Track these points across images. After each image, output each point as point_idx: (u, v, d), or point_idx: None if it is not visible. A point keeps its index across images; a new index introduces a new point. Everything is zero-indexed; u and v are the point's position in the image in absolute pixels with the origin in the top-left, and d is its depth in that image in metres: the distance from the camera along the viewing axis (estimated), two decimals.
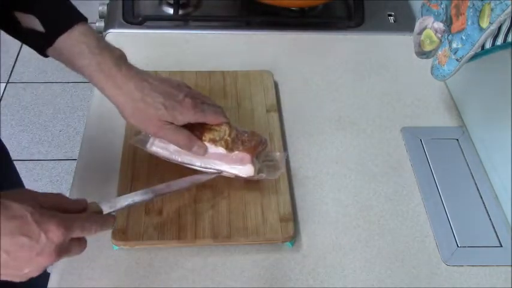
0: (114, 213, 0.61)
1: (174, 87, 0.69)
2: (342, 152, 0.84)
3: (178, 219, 0.71)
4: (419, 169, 0.82)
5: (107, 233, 0.71)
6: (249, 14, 1.11)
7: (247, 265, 0.69)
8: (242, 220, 0.71)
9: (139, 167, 0.76)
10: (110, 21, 1.05)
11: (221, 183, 0.75)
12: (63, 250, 0.53)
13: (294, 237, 0.71)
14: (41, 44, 0.66)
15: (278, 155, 0.76)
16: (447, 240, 0.73)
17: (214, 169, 0.72)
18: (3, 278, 0.51)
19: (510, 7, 0.57)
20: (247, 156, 0.70)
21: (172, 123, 0.68)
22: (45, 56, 0.68)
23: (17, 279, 0.52)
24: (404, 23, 1.09)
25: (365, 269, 0.70)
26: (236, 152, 0.70)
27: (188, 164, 0.73)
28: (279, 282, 0.68)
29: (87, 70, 0.66)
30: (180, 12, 1.08)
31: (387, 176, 0.81)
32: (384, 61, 1.01)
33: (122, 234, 0.68)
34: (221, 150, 0.71)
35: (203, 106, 0.70)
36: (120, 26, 1.03)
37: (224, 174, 0.72)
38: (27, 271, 0.52)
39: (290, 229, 0.71)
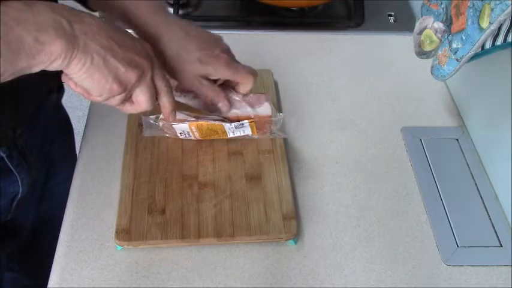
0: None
1: (211, 41, 0.70)
2: (342, 152, 0.84)
3: (181, 219, 0.71)
4: (419, 169, 0.82)
5: (108, 233, 0.71)
6: (249, 14, 1.11)
7: (247, 265, 0.69)
8: (245, 219, 0.71)
9: (141, 165, 0.76)
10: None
11: (223, 182, 0.75)
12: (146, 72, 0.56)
13: (297, 236, 0.71)
14: None
15: (279, 116, 0.78)
16: (447, 240, 0.73)
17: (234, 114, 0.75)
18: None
19: (510, 7, 0.57)
20: (262, 96, 0.74)
21: (205, 78, 0.69)
22: (90, 8, 0.71)
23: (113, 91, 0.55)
24: (404, 23, 1.09)
25: (365, 269, 0.70)
26: (251, 95, 0.74)
27: (207, 116, 0.75)
28: (279, 282, 0.68)
29: (138, 15, 0.68)
30: (180, 12, 1.08)
31: (387, 176, 0.81)
32: (383, 61, 1.01)
33: (125, 234, 0.69)
34: (237, 97, 0.74)
35: (237, 64, 0.71)
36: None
37: (243, 122, 0.75)
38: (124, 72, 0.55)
39: (293, 227, 0.71)
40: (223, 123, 0.75)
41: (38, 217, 0.86)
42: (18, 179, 0.74)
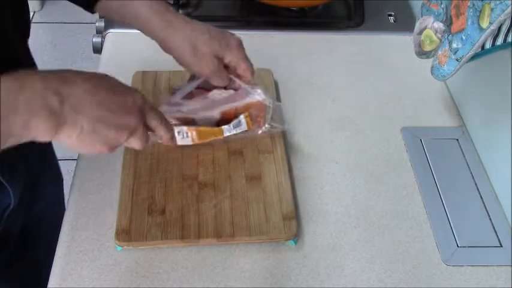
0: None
1: (219, 30, 0.74)
2: (342, 152, 0.84)
3: (181, 219, 0.71)
4: (419, 169, 0.82)
5: (108, 233, 0.71)
6: (249, 14, 1.11)
7: (247, 265, 0.69)
8: (245, 219, 0.71)
9: (141, 165, 0.76)
10: (110, 21, 1.05)
11: (223, 182, 0.75)
12: (138, 125, 0.57)
13: (297, 235, 0.71)
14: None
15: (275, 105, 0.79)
16: (447, 240, 0.73)
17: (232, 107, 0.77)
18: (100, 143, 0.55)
19: (510, 7, 0.57)
20: (255, 85, 0.77)
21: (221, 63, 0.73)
22: (92, 12, 0.73)
23: (108, 145, 0.56)
24: (404, 23, 1.09)
25: (365, 269, 0.70)
26: (243, 84, 0.76)
27: (205, 115, 0.77)
28: (279, 282, 0.68)
29: (142, 17, 0.71)
30: (180, 12, 1.08)
31: (387, 176, 0.81)
32: (383, 61, 1.01)
33: (126, 235, 0.68)
34: (232, 92, 0.77)
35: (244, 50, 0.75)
36: (121, 26, 1.03)
37: (240, 118, 0.77)
38: (116, 130, 0.55)
39: (293, 227, 0.71)
40: (223, 128, 0.76)
41: (26, 223, 0.85)
42: (10, 190, 0.74)
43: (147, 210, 0.71)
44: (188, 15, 1.09)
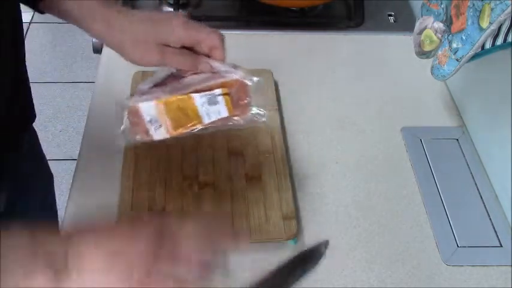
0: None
1: (162, 14, 0.68)
2: (342, 152, 0.84)
3: None
4: (419, 169, 0.82)
5: None
6: (249, 14, 1.11)
7: (247, 265, 0.69)
8: (245, 219, 0.71)
9: (141, 165, 0.76)
10: None
11: (223, 182, 0.75)
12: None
13: (296, 235, 0.71)
14: None
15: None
16: (447, 240, 0.73)
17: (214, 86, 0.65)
18: None
19: (510, 7, 0.57)
20: (233, 65, 0.67)
21: (172, 47, 0.65)
22: (40, 11, 0.68)
23: None
24: (404, 23, 1.09)
25: (365, 269, 0.70)
26: (218, 64, 0.66)
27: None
28: None
29: (80, 19, 0.66)
30: (180, 11, 1.08)
31: (387, 176, 0.81)
32: (384, 61, 1.01)
33: None
34: (209, 74, 0.66)
35: (196, 24, 0.66)
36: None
37: (215, 92, 0.65)
38: None
39: (293, 227, 0.71)
40: (193, 95, 0.65)
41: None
42: None
43: (147, 210, 0.71)
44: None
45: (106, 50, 0.99)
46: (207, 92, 0.65)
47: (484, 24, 0.60)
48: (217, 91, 0.65)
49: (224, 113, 0.66)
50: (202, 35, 0.65)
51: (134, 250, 0.48)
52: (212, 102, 0.65)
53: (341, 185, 0.79)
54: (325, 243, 0.71)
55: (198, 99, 0.65)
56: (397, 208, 0.77)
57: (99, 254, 0.47)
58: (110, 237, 0.49)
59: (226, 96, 0.65)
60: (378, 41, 1.05)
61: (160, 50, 0.65)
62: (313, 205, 0.76)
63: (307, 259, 0.69)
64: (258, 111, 0.67)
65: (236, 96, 0.66)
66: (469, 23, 0.63)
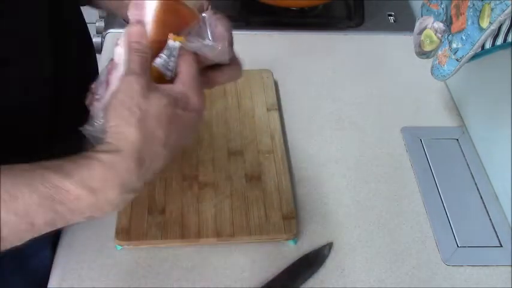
0: None
1: None
2: (342, 152, 0.84)
3: (181, 219, 0.71)
4: (419, 169, 0.82)
5: (108, 233, 0.71)
6: (249, 14, 1.11)
7: (247, 265, 0.69)
8: (245, 219, 0.71)
9: None
10: (109, 21, 1.05)
11: (223, 182, 0.75)
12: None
13: (296, 235, 0.71)
14: None
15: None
16: (447, 240, 0.73)
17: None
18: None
19: (510, 7, 0.57)
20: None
21: None
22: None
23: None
24: (404, 23, 1.09)
25: (365, 269, 0.70)
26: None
27: None
28: None
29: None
30: None
31: (387, 176, 0.81)
32: (384, 61, 1.01)
33: (126, 234, 0.69)
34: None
35: None
36: (120, 26, 1.03)
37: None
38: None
39: (293, 227, 0.71)
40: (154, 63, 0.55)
41: None
42: None
43: (147, 210, 0.71)
44: None
45: (106, 50, 0.99)
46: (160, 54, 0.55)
47: (484, 24, 0.60)
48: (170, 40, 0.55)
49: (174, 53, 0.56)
50: None
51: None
52: (172, 55, 0.56)
53: (341, 185, 0.79)
54: (329, 245, 0.71)
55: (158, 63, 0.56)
56: (397, 208, 0.77)
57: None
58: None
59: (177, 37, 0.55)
60: (378, 41, 1.05)
61: None
62: (313, 205, 0.76)
63: (311, 262, 0.69)
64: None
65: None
66: (469, 23, 0.63)
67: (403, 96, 0.94)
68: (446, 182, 0.80)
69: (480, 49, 0.64)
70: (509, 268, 0.71)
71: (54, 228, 0.47)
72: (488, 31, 0.60)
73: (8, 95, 0.56)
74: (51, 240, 0.72)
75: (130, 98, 0.48)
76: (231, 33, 0.58)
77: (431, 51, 0.73)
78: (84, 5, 0.72)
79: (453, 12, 0.67)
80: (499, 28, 0.61)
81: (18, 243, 0.47)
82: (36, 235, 0.47)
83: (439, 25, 0.71)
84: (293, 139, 0.85)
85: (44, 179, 0.45)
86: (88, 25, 0.75)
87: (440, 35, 0.71)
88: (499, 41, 0.62)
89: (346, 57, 1.01)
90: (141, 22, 0.56)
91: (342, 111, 0.90)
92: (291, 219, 0.71)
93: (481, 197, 0.78)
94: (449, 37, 0.68)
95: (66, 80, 0.64)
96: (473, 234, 0.74)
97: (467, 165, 0.83)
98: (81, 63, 0.70)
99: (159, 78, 0.56)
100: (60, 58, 0.62)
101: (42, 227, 0.46)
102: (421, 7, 0.75)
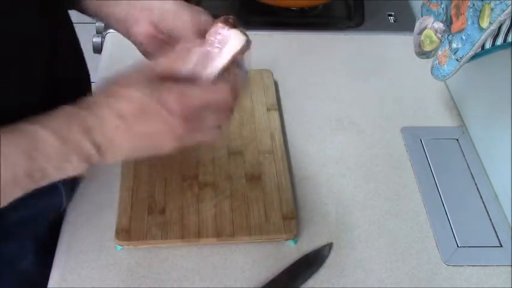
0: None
1: None
2: (342, 152, 0.84)
3: (181, 219, 0.71)
4: (419, 169, 0.82)
5: (108, 233, 0.71)
6: (248, 14, 1.11)
7: (247, 265, 0.69)
8: (245, 219, 0.71)
9: (141, 166, 0.76)
10: None
11: (223, 182, 0.75)
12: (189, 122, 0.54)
13: (296, 235, 0.71)
14: None
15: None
16: (447, 240, 0.73)
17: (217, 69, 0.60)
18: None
19: (510, 7, 0.57)
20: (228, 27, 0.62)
21: None
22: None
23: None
24: (404, 23, 1.09)
25: (365, 269, 0.70)
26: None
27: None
28: None
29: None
30: None
31: (387, 176, 0.81)
32: (384, 61, 1.01)
33: (126, 234, 0.69)
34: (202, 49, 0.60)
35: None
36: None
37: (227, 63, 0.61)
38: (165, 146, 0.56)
39: (293, 227, 0.71)
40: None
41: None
42: (62, 190, 0.72)
43: (147, 210, 0.71)
44: None
45: (106, 50, 0.99)
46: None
47: (484, 24, 0.60)
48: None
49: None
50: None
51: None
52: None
53: (341, 185, 0.79)
54: (329, 246, 0.71)
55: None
56: (397, 208, 0.77)
57: (130, 133, 0.53)
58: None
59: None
60: (377, 41, 1.05)
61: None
62: (313, 205, 0.76)
63: (311, 262, 0.69)
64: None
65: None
66: (469, 23, 0.63)
67: (403, 96, 0.94)
68: (446, 182, 0.80)
69: (480, 49, 0.64)
70: (509, 268, 0.71)
71: (35, 183, 0.49)
72: (488, 31, 0.60)
73: (8, 95, 0.56)
74: (34, 243, 0.73)
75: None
76: None
77: (431, 51, 0.73)
78: (71, 9, 0.71)
79: (453, 12, 0.67)
80: (499, 28, 0.61)
81: (4, 203, 0.48)
82: (19, 192, 0.49)
83: (439, 25, 0.71)
84: (293, 139, 0.85)
85: (21, 130, 0.48)
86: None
87: (440, 35, 0.71)
88: (499, 41, 0.62)
89: (346, 57, 1.01)
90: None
91: (341, 111, 0.90)
92: (291, 219, 0.71)
93: (481, 197, 0.78)
94: (449, 37, 0.68)
95: (61, 81, 0.64)
96: (473, 234, 0.74)
97: (467, 165, 0.83)
98: (73, 65, 0.70)
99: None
100: (57, 58, 0.63)
101: (23, 180, 0.48)
102: (421, 7, 0.75)
